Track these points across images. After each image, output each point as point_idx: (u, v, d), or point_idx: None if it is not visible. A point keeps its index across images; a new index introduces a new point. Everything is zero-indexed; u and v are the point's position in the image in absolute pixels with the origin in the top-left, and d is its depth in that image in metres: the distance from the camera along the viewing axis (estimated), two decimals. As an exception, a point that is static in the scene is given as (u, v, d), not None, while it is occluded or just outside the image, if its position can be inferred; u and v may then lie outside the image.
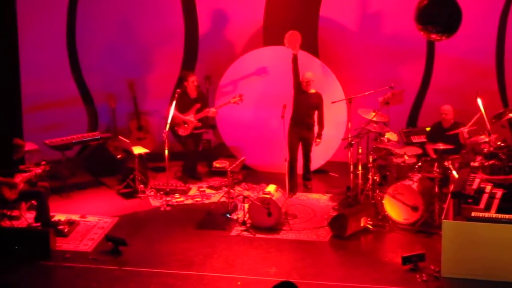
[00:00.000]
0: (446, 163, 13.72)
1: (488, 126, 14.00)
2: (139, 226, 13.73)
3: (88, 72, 16.35)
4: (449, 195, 12.78)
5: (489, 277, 11.61)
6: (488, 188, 12.71)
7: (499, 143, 13.93)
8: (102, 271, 12.12)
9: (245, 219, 13.60)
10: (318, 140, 15.03)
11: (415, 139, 15.19)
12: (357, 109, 14.73)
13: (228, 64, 16.00)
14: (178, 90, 15.25)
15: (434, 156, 14.05)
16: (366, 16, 15.96)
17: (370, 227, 13.50)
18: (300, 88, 14.82)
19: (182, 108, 15.23)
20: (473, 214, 12.09)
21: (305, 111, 14.90)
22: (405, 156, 14.03)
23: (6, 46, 14.74)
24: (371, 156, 14.26)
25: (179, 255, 12.64)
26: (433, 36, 13.54)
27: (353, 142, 14.37)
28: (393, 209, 13.61)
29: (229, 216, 13.90)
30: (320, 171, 15.83)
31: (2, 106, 14.60)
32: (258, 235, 13.29)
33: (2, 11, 14.58)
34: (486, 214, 12.07)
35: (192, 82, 15.38)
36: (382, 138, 14.43)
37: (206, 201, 14.77)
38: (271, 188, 13.86)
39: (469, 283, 11.65)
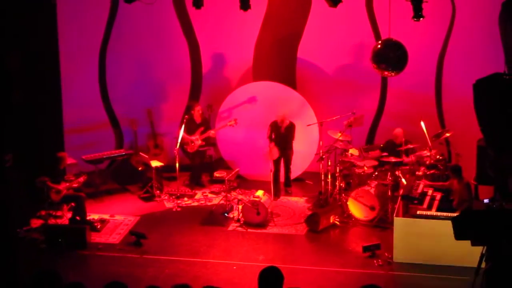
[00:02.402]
0: (396, 172, 13.80)
1: (429, 143, 14.09)
2: (156, 223, 13.74)
3: (115, 102, 16.34)
4: (399, 198, 12.89)
5: (431, 262, 11.72)
6: (430, 192, 12.80)
7: (438, 156, 13.99)
8: (127, 258, 12.19)
9: (239, 217, 13.65)
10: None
11: (372, 153, 15.21)
12: (327, 130, 14.80)
13: (226, 95, 16.04)
14: (186, 116, 15.31)
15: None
16: (333, 57, 15.95)
17: (338, 223, 13.55)
18: (276, 125, 14.92)
19: (189, 130, 15.26)
20: (418, 212, 12.21)
21: (282, 139, 14.95)
22: (365, 167, 14.09)
23: (52, 83, 14.81)
24: (338, 167, 14.33)
25: (187, 246, 12.69)
26: (385, 72, 13.59)
27: (324, 156, 14.42)
28: (355, 208, 13.65)
29: (227, 215, 13.92)
30: (298, 179, 15.78)
31: (48, 129, 14.62)
32: (249, 230, 13.33)
33: (48, 57, 14.68)
34: (428, 213, 12.17)
35: (197, 111, 15.41)
36: (346, 153, 14.49)
37: (209, 203, 14.76)
38: (260, 193, 13.92)
39: (415, 266, 11.73)
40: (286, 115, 14.91)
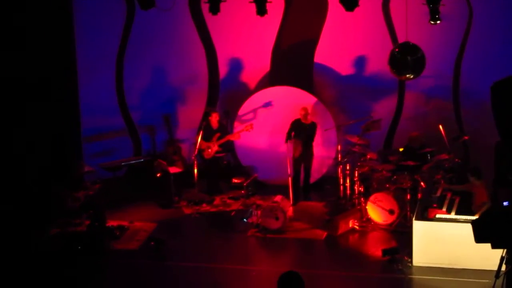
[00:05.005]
0: (415, 176, 13.77)
1: (448, 146, 14.07)
2: (174, 230, 13.79)
3: (133, 109, 16.42)
4: (418, 201, 12.87)
5: (450, 265, 11.66)
6: (449, 195, 12.77)
7: (456, 160, 13.96)
8: (147, 264, 12.23)
9: (258, 222, 13.66)
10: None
11: (391, 158, 15.18)
12: (344, 134, 14.82)
13: (243, 101, 16.07)
14: (204, 122, 15.37)
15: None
16: (350, 61, 15.97)
17: (357, 227, 13.53)
18: (299, 123, 14.92)
19: (206, 137, 15.29)
20: (437, 215, 12.17)
21: (305, 135, 14.93)
22: (383, 171, 14.10)
23: (70, 93, 14.98)
24: (356, 172, 14.32)
25: (206, 251, 12.71)
26: (403, 76, 13.58)
27: (342, 161, 14.44)
28: (374, 213, 13.61)
29: (245, 221, 13.85)
30: (317, 184, 15.82)
31: (67, 138, 14.73)
32: (268, 235, 13.34)
33: (66, 65, 14.82)
34: (447, 216, 12.13)
35: (214, 117, 15.43)
36: (365, 157, 14.50)
37: (227, 209, 14.79)
38: (278, 198, 13.93)
39: (435, 270, 11.67)
40: (307, 110, 14.90)
